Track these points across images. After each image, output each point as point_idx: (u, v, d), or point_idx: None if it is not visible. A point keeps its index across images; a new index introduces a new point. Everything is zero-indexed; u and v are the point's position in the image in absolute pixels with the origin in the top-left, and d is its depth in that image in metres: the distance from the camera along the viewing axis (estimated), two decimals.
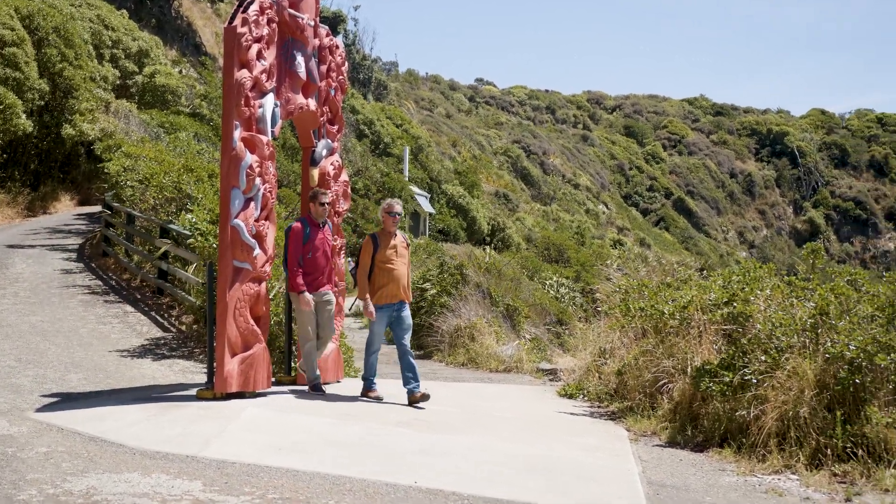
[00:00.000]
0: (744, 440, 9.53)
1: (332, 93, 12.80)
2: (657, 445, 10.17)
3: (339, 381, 12.75)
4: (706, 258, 79.70)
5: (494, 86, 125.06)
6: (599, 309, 15.92)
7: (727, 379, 9.90)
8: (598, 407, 12.46)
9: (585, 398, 13.05)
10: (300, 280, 10.66)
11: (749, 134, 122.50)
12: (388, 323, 10.92)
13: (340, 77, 13.01)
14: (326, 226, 11.23)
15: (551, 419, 11.33)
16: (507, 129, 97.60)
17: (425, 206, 50.80)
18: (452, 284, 18.72)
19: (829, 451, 8.85)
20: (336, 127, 13.01)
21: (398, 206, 11.12)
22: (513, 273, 25.80)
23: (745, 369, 9.82)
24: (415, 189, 49.42)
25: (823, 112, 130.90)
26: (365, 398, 11.14)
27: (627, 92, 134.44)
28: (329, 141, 12.77)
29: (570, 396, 13.26)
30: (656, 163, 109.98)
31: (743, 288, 11.16)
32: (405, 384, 10.92)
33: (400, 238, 11.12)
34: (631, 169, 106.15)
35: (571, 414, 11.82)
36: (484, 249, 38.61)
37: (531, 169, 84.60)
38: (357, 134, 50.00)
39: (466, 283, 19.03)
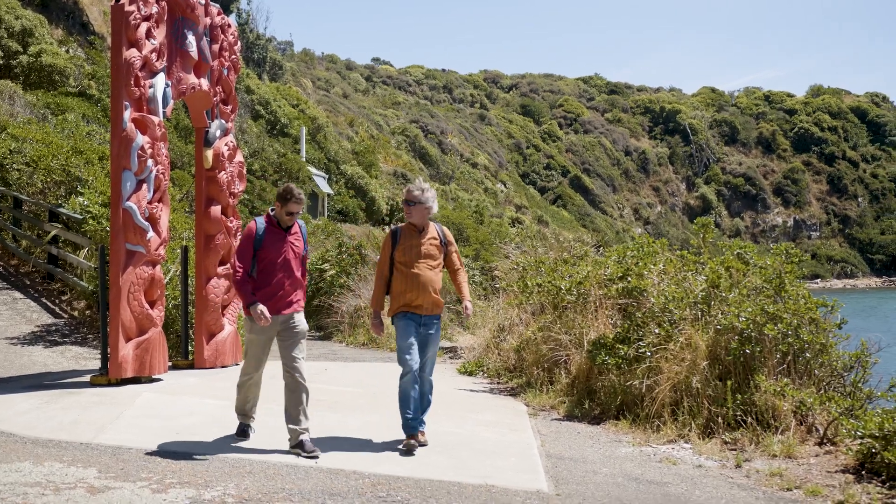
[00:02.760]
0: (639, 412, 9.73)
1: (225, 72, 12.61)
2: (555, 419, 10.32)
3: (237, 364, 12.63)
4: (603, 235, 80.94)
5: (391, 65, 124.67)
6: (498, 286, 16.05)
7: (622, 352, 10.09)
8: (498, 383, 12.57)
9: (485, 375, 13.15)
10: (248, 289, 7.75)
11: (643, 112, 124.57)
12: (416, 334, 8.11)
13: (233, 56, 12.82)
14: (297, 227, 8.16)
15: (452, 397, 11.39)
16: (404, 109, 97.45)
17: (323, 186, 50.47)
18: (351, 265, 18.65)
19: (720, 420, 9.10)
20: (230, 107, 12.82)
21: (416, 191, 8.27)
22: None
23: (640, 342, 10.02)
24: (312, 170, 49.04)
25: (714, 90, 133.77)
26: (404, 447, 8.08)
27: (523, 71, 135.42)
28: (223, 121, 12.59)
29: (470, 374, 13.35)
30: (553, 141, 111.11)
31: (637, 263, 11.36)
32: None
33: (432, 232, 8.33)
34: (528, 147, 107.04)
35: (471, 391, 11.90)
36: (383, 229, 38.53)
37: (429, 148, 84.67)
38: (252, 114, 49.34)
39: (365, 263, 18.98)
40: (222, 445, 7.90)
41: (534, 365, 12.05)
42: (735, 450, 8.65)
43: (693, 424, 9.19)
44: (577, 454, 8.60)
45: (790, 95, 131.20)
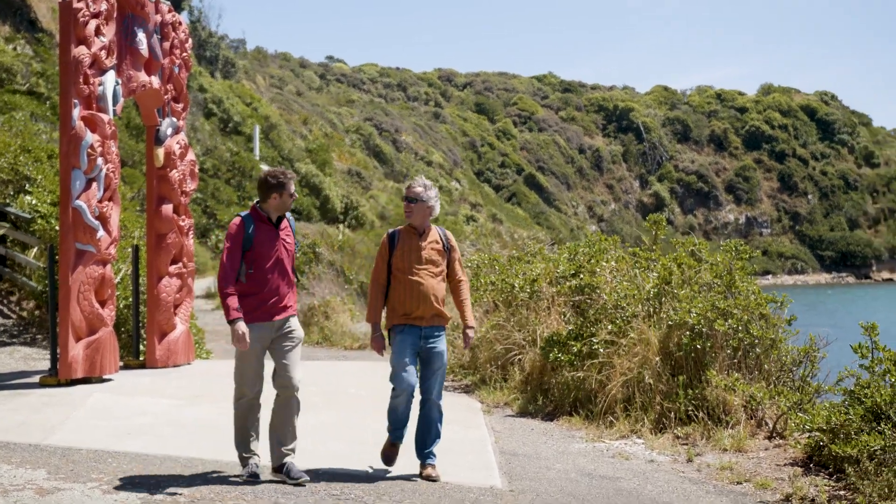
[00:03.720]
0: (592, 408, 9.80)
1: (176, 70, 12.51)
2: (509, 416, 10.37)
3: (189, 364, 12.55)
4: (557, 232, 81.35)
5: (345, 63, 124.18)
6: None
7: (575, 349, 10.16)
8: (453, 381, 12.60)
9: None
10: (233, 303, 6.72)
11: (596, 110, 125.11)
12: (415, 349, 7.23)
13: (184, 54, 12.72)
14: (286, 221, 7.17)
15: None
16: (358, 107, 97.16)
17: None
18: (305, 263, 18.60)
19: (672, 415, 9.19)
20: (181, 105, 12.72)
21: (418, 187, 7.38)
22: (367, 251, 25.81)
23: (593, 339, 10.09)
24: (266, 168, 48.78)
25: (666, 88, 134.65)
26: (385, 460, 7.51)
27: (478, 69, 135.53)
28: (174, 119, 12.49)
29: None
30: (507, 139, 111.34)
31: (589, 260, 11.43)
32: (419, 449, 7.42)
33: (434, 236, 7.41)
34: (483, 146, 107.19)
35: None
36: (337, 228, 38.43)
37: (384, 146, 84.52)
38: (205, 112, 48.92)
39: (320, 261, 18.95)
40: (174, 445, 7.84)
41: (488, 362, 12.10)
42: (687, 444, 8.74)
43: (645, 420, 9.28)
44: (531, 450, 8.64)
45: (741, 94, 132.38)
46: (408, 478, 7.22)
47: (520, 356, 11.50)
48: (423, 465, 7.27)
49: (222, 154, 43.54)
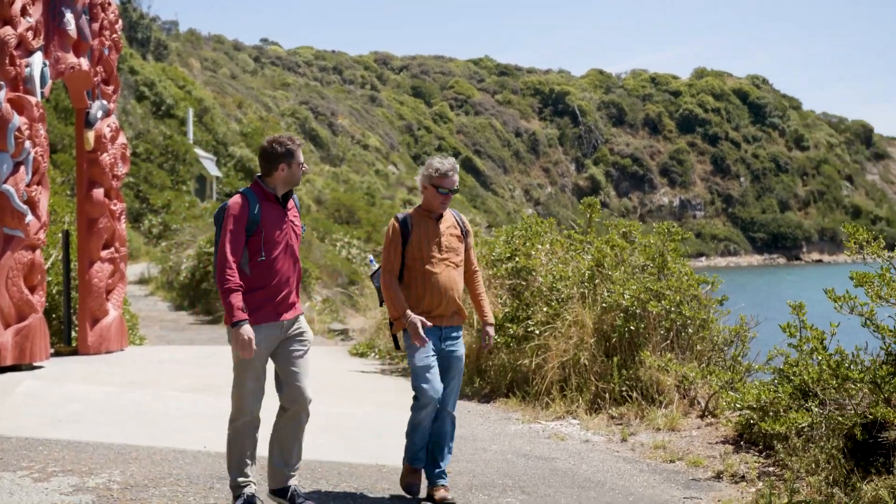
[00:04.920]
0: (529, 389, 9.87)
1: (106, 52, 12.30)
2: None
3: (122, 350, 12.40)
4: (494, 216, 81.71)
5: (280, 46, 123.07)
6: None
7: (511, 331, 10.22)
8: (389, 364, 12.61)
9: (377, 356, 13.17)
10: (237, 300, 5.49)
11: (532, 94, 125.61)
12: (436, 352, 6.25)
13: (115, 35, 12.51)
14: (292, 201, 5.94)
15: (344, 378, 11.40)
16: (294, 90, 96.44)
17: (211, 169, 49.69)
18: None
19: (607, 396, 9.30)
20: (111, 87, 12.52)
21: (455, 173, 6.39)
22: (304, 235, 25.62)
23: (529, 321, 10.15)
24: (200, 152, 48.22)
25: (601, 72, 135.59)
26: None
27: (414, 53, 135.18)
28: (104, 102, 12.29)
29: (362, 355, 13.36)
30: (444, 123, 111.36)
31: (525, 243, 11.49)
32: (428, 467, 6.40)
33: (450, 219, 6.49)
34: (419, 129, 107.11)
35: (362, 372, 11.92)
36: None
37: (320, 130, 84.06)
38: (136, 95, 48.20)
39: None
40: (107, 432, 7.74)
41: None
42: (621, 424, 8.85)
43: (581, 401, 9.37)
44: (468, 432, 8.67)
45: (675, 77, 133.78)
46: (345, 462, 7.21)
47: None
48: (435, 486, 6.29)
49: (155, 137, 42.95)
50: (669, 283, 9.58)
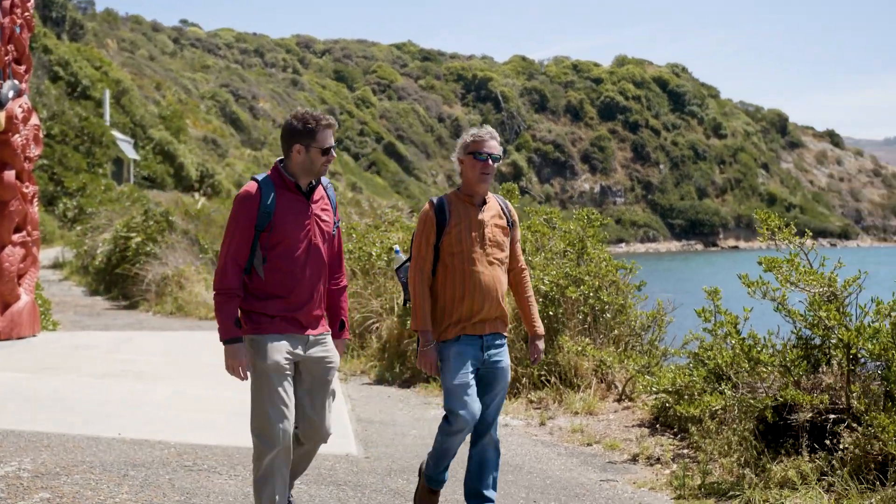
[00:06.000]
0: None
1: (18, 30, 11.98)
2: (366, 384, 10.40)
3: (34, 335, 12.15)
4: (416, 201, 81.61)
5: (200, 28, 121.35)
6: None
7: None
8: None
9: None
10: (229, 312, 4.62)
11: (455, 79, 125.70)
12: (476, 367, 5.26)
13: (26, 14, 12.19)
14: (322, 189, 4.93)
15: None
16: (214, 73, 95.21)
17: (129, 152, 48.84)
18: (158, 232, 18.17)
19: (525, 380, 9.37)
20: (24, 67, 12.21)
21: (494, 139, 5.36)
22: (222, 219, 25.34)
23: None
24: (117, 134, 47.34)
25: (524, 58, 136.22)
26: None
27: (336, 36, 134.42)
28: (16, 82, 11.97)
29: None
30: (367, 107, 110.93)
31: None
32: (473, 500, 5.52)
33: (494, 206, 5.46)
34: (342, 114, 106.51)
35: None
36: (193, 196, 37.67)
37: (240, 114, 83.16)
38: (51, 76, 47.08)
39: (174, 230, 18.52)
40: (17, 419, 7.56)
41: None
42: (540, 408, 8.92)
43: None
44: (388, 417, 8.68)
45: (597, 65, 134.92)
46: None
47: (377, 324, 11.52)
48: None
49: (70, 119, 42.03)
50: (588, 269, 9.67)
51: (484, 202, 5.36)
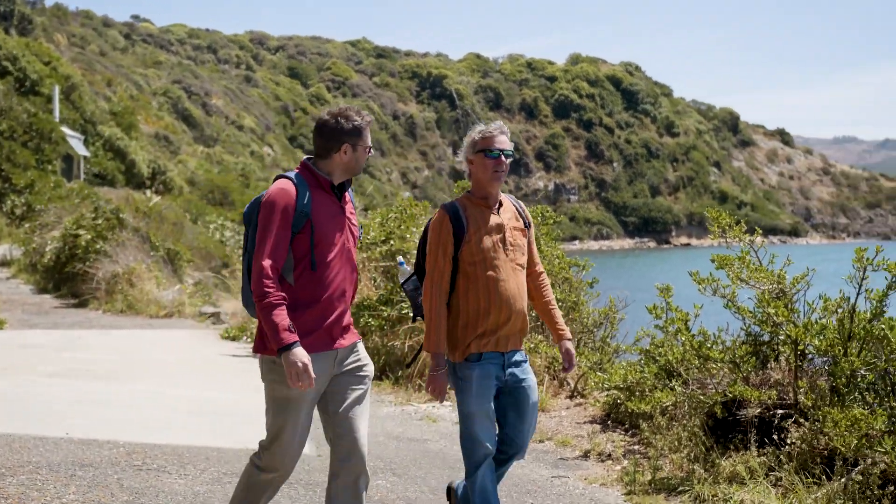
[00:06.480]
0: (402, 372, 9.89)
1: None
2: None
3: None
4: (371, 198, 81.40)
5: (152, 23, 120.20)
6: None
7: (385, 314, 10.21)
8: None
9: (248, 339, 13.00)
10: (282, 318, 4.14)
11: (410, 77, 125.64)
12: (497, 390, 4.81)
13: None
14: (347, 194, 4.56)
15: (214, 362, 11.22)
16: (166, 69, 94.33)
17: (79, 148, 48.25)
18: (108, 229, 17.96)
19: None
20: None
21: (503, 134, 4.93)
22: (175, 217, 25.16)
23: (403, 304, 10.16)
24: (67, 131, 46.74)
25: (479, 56, 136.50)
26: None
27: (291, 33, 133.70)
28: None
29: (234, 339, 13.19)
30: (321, 104, 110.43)
31: (399, 226, 11.48)
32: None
33: (510, 208, 5.04)
34: (296, 111, 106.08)
35: (234, 356, 11.76)
36: (144, 193, 37.32)
37: (193, 110, 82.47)
38: None
39: (124, 227, 18.32)
40: None
41: None
42: None
43: None
44: None
45: (551, 63, 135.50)
46: (213, 447, 7.10)
47: None
48: None
49: (18, 115, 41.40)
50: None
51: (500, 205, 4.92)
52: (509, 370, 4.79)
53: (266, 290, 4.13)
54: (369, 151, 4.46)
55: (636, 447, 7.32)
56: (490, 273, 4.73)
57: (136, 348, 11.73)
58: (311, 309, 4.28)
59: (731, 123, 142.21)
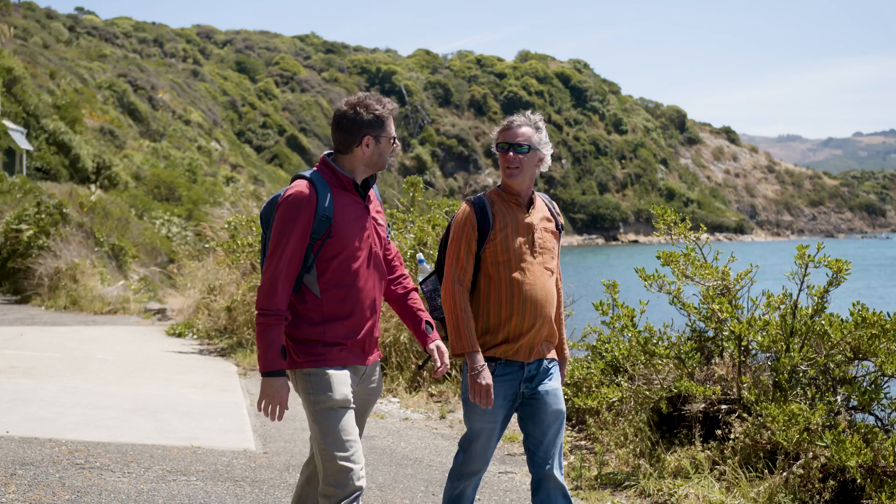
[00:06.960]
0: None
1: None
2: None
3: None
4: None
5: (96, 16, 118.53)
6: (208, 246, 15.73)
7: None
8: (208, 344, 12.37)
9: (195, 336, 12.90)
10: (275, 340, 3.91)
11: (359, 72, 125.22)
12: (510, 408, 4.48)
13: None
14: (372, 191, 4.26)
15: (159, 359, 11.10)
16: (111, 62, 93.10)
17: (21, 142, 47.46)
18: (51, 224, 17.70)
19: (426, 374, 9.38)
20: None
21: (526, 126, 4.50)
22: (120, 212, 24.84)
23: None
24: (9, 124, 45.97)
25: (428, 52, 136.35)
26: None
27: (238, 27, 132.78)
28: None
29: (180, 335, 13.07)
30: (269, 99, 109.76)
31: None
32: None
33: (542, 208, 4.64)
34: (244, 105, 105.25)
35: (180, 353, 11.65)
36: (89, 188, 36.85)
37: (139, 104, 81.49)
38: None
39: (68, 223, 18.07)
40: None
41: (245, 325, 11.96)
42: (440, 402, 8.95)
43: (401, 379, 9.43)
44: (287, 412, 8.57)
45: (500, 60, 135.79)
46: (158, 444, 7.02)
47: None
48: None
49: None
50: None
51: (531, 203, 4.53)
52: (528, 383, 4.42)
53: (270, 304, 3.86)
54: (394, 143, 4.10)
55: (583, 443, 7.36)
56: (515, 275, 4.37)
57: (79, 345, 11.57)
58: (340, 321, 3.95)
59: (678, 121, 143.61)
